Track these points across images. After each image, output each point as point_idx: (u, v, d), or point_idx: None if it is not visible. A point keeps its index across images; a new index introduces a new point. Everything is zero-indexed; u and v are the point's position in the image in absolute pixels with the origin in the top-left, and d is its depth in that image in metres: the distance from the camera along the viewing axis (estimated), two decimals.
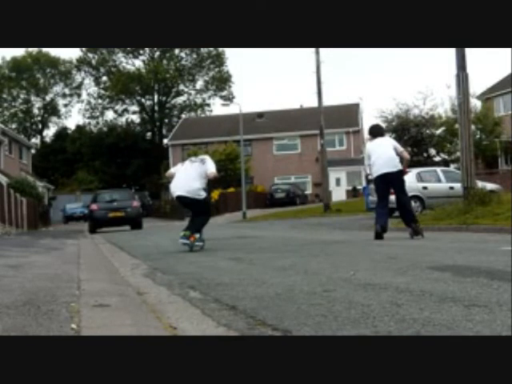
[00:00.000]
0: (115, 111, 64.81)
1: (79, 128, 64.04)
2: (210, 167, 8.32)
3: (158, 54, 62.73)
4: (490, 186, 15.61)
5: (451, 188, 16.59)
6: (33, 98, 66.76)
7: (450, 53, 12.72)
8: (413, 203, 17.32)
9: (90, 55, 63.38)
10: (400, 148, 9.11)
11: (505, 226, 8.87)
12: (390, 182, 8.80)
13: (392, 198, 18.65)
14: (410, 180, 17.75)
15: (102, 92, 64.13)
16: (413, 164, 31.29)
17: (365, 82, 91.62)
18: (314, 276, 4.13)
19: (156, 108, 64.07)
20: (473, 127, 22.82)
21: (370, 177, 9.69)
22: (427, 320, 2.43)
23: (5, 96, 64.85)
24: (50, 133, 68.63)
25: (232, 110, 41.07)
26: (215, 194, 33.13)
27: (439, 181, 17.71)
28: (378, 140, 9.24)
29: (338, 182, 42.50)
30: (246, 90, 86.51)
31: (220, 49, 60.76)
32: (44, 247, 9.18)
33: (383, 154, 8.77)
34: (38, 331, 2.23)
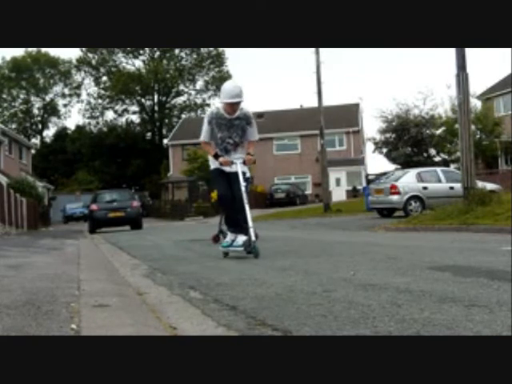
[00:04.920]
0: (115, 111, 64.85)
1: (79, 128, 64.04)
2: None
3: (158, 54, 62.74)
4: (490, 186, 15.61)
5: (451, 188, 16.60)
6: (33, 98, 66.80)
7: (450, 53, 12.74)
8: (413, 203, 17.39)
9: (90, 55, 63.38)
10: None
11: (505, 226, 8.87)
12: None
13: (390, 198, 18.50)
14: (410, 180, 17.84)
15: (102, 92, 64.14)
16: (413, 164, 31.38)
17: (365, 81, 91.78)
18: (314, 276, 4.13)
19: (156, 108, 64.08)
20: (473, 127, 22.84)
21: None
22: (427, 320, 2.43)
23: (5, 96, 64.89)
24: (49, 133, 68.70)
25: None
26: (215, 195, 33.11)
27: (439, 181, 17.73)
28: None
29: (337, 182, 42.51)
30: (246, 89, 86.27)
31: (220, 49, 60.82)
32: (44, 247, 9.18)
33: None
34: (38, 331, 2.23)
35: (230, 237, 6.34)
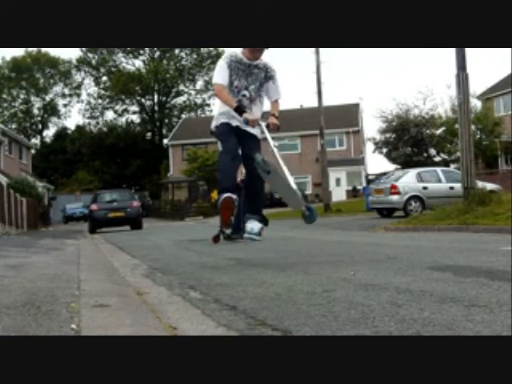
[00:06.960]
0: (115, 111, 64.94)
1: (79, 128, 64.09)
2: None
3: (158, 54, 62.76)
4: (490, 186, 15.62)
5: (451, 188, 16.61)
6: (33, 98, 66.83)
7: (450, 53, 12.75)
8: (413, 203, 17.40)
9: (90, 55, 63.45)
10: None
11: (505, 226, 8.88)
12: None
13: (390, 198, 18.47)
14: (410, 180, 17.84)
15: (102, 92, 64.22)
16: (413, 164, 31.38)
17: (365, 82, 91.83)
18: (314, 276, 4.13)
19: (156, 108, 64.11)
20: (473, 127, 22.83)
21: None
22: (427, 320, 2.43)
23: (5, 96, 64.92)
24: (49, 133, 68.77)
25: None
26: (215, 194, 33.15)
27: (439, 181, 17.75)
28: None
29: (338, 182, 42.53)
30: None
31: (220, 49, 60.83)
32: (44, 247, 9.18)
33: None
34: (37, 331, 2.23)
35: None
